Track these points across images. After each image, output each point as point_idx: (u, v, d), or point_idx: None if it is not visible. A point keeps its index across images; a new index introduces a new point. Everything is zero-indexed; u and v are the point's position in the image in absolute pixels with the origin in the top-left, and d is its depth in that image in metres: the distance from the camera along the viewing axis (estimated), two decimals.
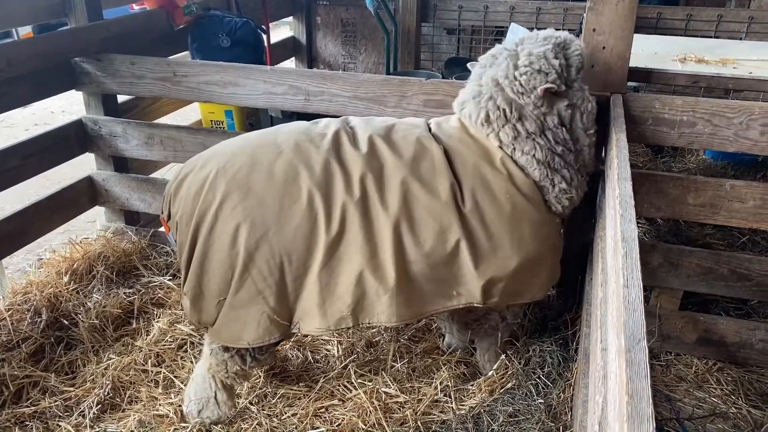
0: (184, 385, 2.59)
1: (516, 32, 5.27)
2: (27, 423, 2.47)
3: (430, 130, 2.34)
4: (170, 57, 3.62)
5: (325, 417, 2.45)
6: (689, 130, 2.52)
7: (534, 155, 2.22)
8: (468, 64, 2.47)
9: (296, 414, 2.47)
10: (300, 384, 2.64)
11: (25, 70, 2.87)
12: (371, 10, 4.39)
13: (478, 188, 2.17)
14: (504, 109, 2.22)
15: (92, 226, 3.78)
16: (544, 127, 2.24)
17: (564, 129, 2.26)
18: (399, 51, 5.09)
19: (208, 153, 2.28)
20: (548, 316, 2.87)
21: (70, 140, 3.30)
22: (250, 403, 2.54)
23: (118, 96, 3.45)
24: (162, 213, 2.33)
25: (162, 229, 2.56)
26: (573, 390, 2.40)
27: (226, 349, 2.28)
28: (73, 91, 3.26)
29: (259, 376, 2.66)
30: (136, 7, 5.41)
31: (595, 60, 2.55)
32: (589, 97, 2.32)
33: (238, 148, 2.23)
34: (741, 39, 4.50)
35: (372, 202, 2.12)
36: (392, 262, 2.09)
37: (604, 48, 2.52)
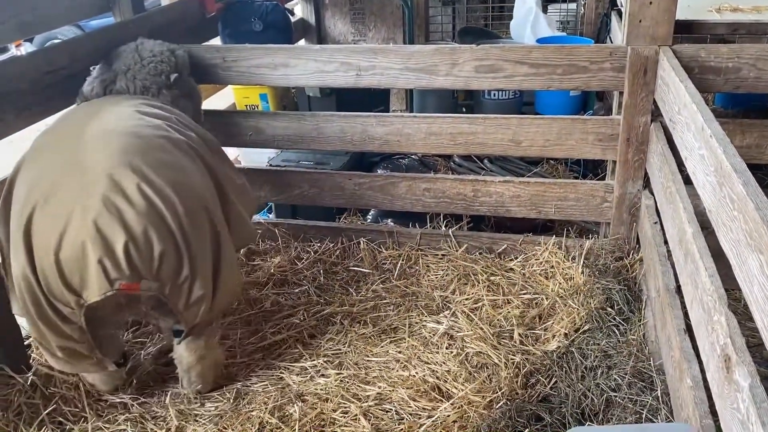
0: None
1: None
2: None
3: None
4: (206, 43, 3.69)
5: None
6: (734, 76, 2.66)
7: None
8: None
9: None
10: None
11: (83, 66, 2.93)
12: None
13: None
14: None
15: None
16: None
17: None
18: (414, 25, 5.17)
19: (70, 196, 2.11)
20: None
21: None
22: None
23: None
24: (117, 282, 2.08)
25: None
26: (646, 326, 2.58)
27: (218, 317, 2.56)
28: None
29: None
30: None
31: (642, 15, 2.67)
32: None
33: (67, 169, 2.19)
34: None
35: (193, 136, 2.50)
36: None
37: (650, 3, 2.64)
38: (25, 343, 2.72)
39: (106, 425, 2.40)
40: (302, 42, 5.91)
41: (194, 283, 2.23)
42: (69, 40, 3.03)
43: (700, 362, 1.80)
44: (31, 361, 2.66)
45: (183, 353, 2.48)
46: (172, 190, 2.17)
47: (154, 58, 2.80)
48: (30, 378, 2.54)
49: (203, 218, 2.27)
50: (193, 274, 2.21)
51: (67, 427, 2.41)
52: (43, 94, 2.75)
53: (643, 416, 2.18)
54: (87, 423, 2.41)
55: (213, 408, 2.50)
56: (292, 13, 4.12)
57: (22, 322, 2.58)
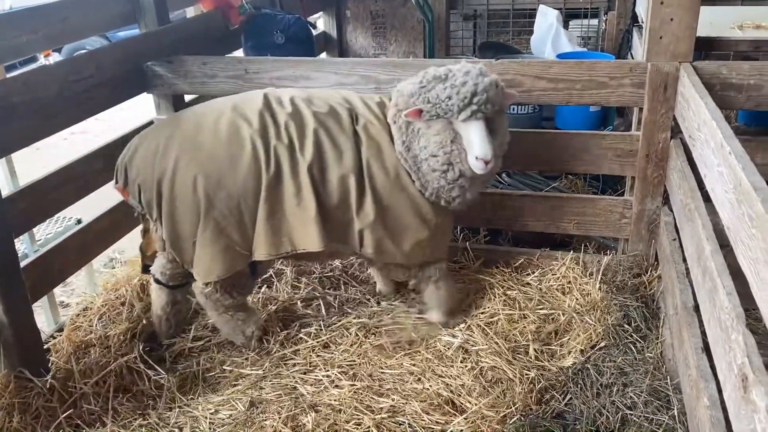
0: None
1: (545, 14, 5.41)
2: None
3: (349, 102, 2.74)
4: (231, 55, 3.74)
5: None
6: (756, 93, 2.65)
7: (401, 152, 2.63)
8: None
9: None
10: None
11: (108, 75, 2.99)
12: (412, 0, 4.49)
13: (372, 151, 2.62)
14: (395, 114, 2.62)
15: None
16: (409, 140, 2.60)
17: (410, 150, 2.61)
18: (435, 39, 5.20)
19: (155, 127, 2.77)
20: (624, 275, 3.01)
21: None
22: None
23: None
24: (117, 182, 2.70)
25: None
26: (664, 344, 2.55)
27: (209, 285, 2.70)
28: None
29: None
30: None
31: (663, 32, 2.67)
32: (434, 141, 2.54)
33: (183, 118, 2.72)
34: None
35: (295, 147, 2.58)
36: (312, 198, 2.54)
37: (672, 20, 2.64)
38: (45, 346, 2.76)
39: (122, 430, 2.43)
40: (324, 55, 5.98)
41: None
42: (95, 50, 3.10)
43: (718, 381, 1.77)
44: (50, 364, 2.70)
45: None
46: (174, 165, 2.55)
47: (422, 87, 2.50)
48: (48, 381, 2.57)
49: (188, 198, 2.56)
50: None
51: (83, 430, 2.44)
52: (70, 101, 2.81)
53: None
54: (104, 427, 2.43)
55: (227, 416, 2.52)
56: (315, 27, 4.17)
57: (41, 324, 2.62)
